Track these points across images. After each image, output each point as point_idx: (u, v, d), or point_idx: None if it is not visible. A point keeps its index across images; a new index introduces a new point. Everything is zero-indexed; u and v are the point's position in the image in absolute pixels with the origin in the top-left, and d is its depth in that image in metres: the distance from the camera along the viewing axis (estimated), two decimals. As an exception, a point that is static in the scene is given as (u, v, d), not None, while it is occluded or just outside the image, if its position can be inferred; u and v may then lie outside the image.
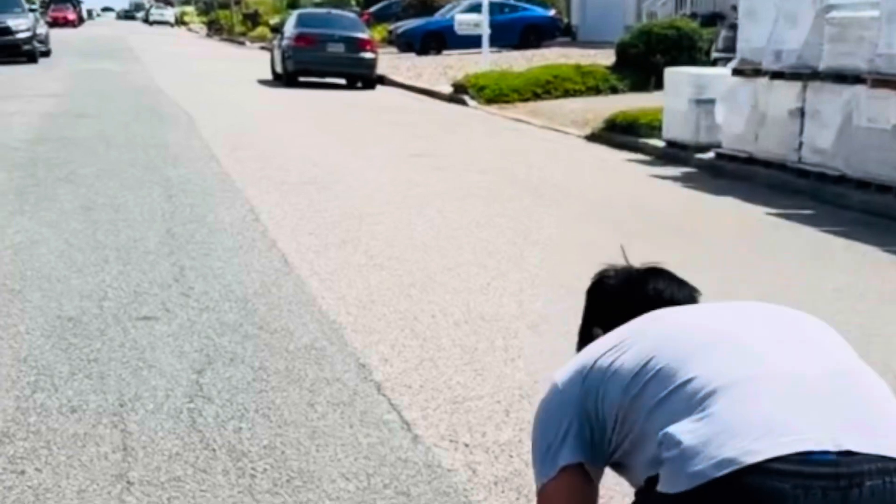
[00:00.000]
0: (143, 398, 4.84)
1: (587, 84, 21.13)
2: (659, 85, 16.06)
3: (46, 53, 33.33)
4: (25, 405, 4.72)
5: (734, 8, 20.83)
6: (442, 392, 5.08)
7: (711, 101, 13.46)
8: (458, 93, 22.29)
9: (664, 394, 2.04)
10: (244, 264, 7.41)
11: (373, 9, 48.45)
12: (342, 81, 26.04)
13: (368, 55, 25.74)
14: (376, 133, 16.23)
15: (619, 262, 2.81)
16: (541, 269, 7.56)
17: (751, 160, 12.56)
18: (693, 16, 28.77)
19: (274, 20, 49.32)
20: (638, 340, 2.21)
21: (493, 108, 20.36)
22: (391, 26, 38.85)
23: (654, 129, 14.82)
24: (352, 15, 31.35)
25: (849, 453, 1.85)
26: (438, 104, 22.14)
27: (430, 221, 9.12)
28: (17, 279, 6.81)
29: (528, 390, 5.09)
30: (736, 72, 12.94)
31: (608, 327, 2.43)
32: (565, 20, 38.99)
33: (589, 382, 2.24)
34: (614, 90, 20.92)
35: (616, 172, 13.05)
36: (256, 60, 33.81)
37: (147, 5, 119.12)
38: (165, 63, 32.36)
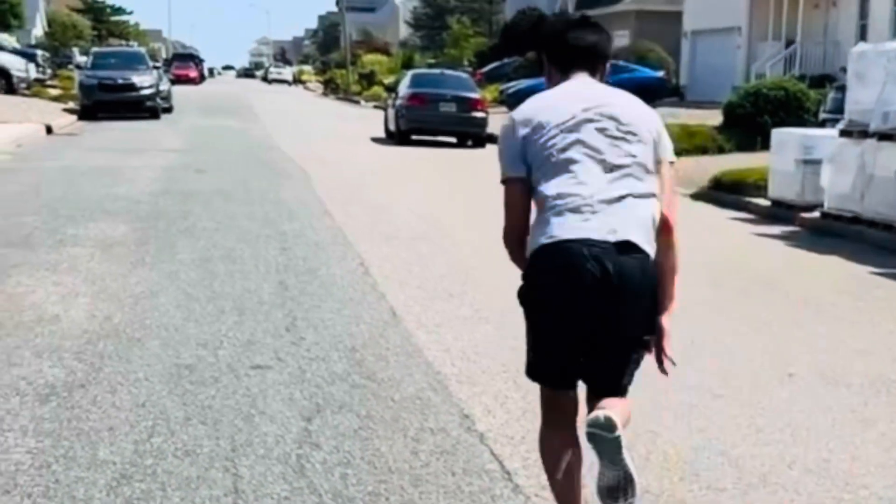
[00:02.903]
0: (255, 444, 5.03)
1: (694, 143, 21.18)
2: (766, 145, 16.04)
3: (169, 110, 34.42)
4: (143, 448, 4.94)
5: (843, 70, 20.70)
6: (543, 443, 5.16)
7: (818, 162, 13.47)
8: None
9: (541, 159, 3.72)
10: (354, 316, 7.61)
11: (485, 69, 49.15)
12: (453, 140, 26.41)
13: (479, 114, 26.10)
14: (485, 190, 16.25)
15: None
16: (644, 325, 7.59)
17: (856, 220, 12.48)
18: (802, 77, 28.62)
19: (388, 80, 50.21)
20: (542, 123, 3.75)
21: (601, 168, 20.36)
22: (503, 86, 39.32)
23: (760, 188, 14.85)
24: (464, 75, 31.82)
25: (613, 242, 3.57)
26: (547, 161, 22.20)
27: (536, 276, 9.23)
28: (137, 328, 7.10)
29: (627, 443, 5.13)
30: (844, 133, 12.89)
31: (554, 61, 3.99)
32: (674, 81, 39.07)
33: (525, 136, 3.76)
34: (721, 150, 20.94)
35: (720, 231, 13.05)
36: (370, 119, 34.44)
37: (266, 64, 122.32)
38: (282, 120, 33.19)
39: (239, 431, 5.18)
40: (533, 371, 3.86)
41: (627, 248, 3.58)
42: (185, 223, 11.63)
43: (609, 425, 3.51)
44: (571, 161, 3.67)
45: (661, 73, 36.67)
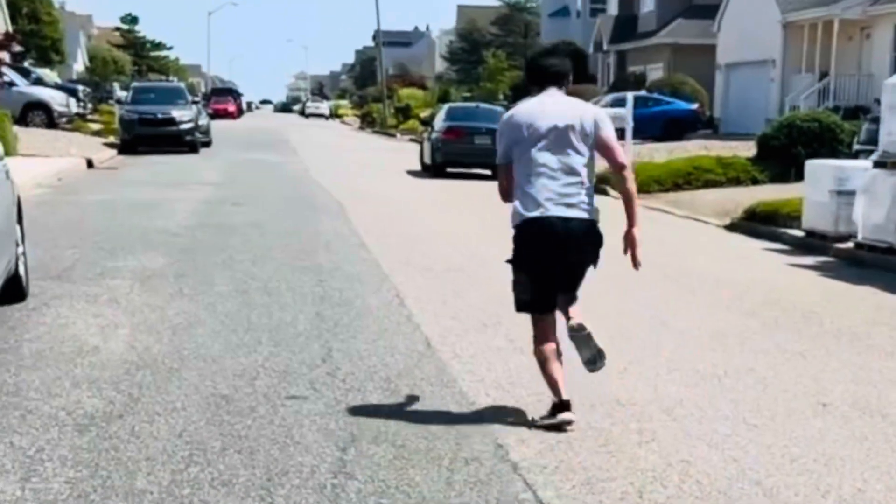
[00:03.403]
0: (290, 473, 5.08)
1: (728, 175, 21.24)
2: (799, 176, 16.07)
3: (207, 144, 34.79)
4: (180, 478, 5.00)
5: (877, 101, 20.65)
6: (576, 473, 5.20)
7: (852, 193, 13.48)
8: (600, 183, 22.32)
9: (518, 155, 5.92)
10: (389, 346, 7.67)
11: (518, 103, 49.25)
12: (488, 172, 26.49)
13: None
14: (520, 221, 16.43)
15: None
16: (676, 355, 7.63)
17: (890, 250, 12.45)
18: (836, 109, 28.60)
19: (424, 113, 50.52)
20: (523, 126, 5.89)
21: (634, 199, 20.44)
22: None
23: (794, 219, 14.87)
24: (499, 109, 31.97)
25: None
26: (582, 194, 22.29)
27: (570, 307, 9.30)
28: (175, 358, 7.19)
29: (660, 473, 5.17)
30: (877, 164, 12.88)
31: (532, 82, 6.14)
32: (708, 113, 39.13)
33: (512, 131, 5.92)
34: (755, 181, 20.99)
35: (754, 261, 13.04)
36: (406, 152, 34.65)
37: (304, 98, 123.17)
38: (319, 154, 33.45)
39: (275, 461, 5.24)
40: (527, 307, 6.19)
41: (569, 218, 5.99)
42: (222, 255, 11.76)
43: (581, 328, 5.98)
44: (536, 153, 5.96)
45: (694, 106, 36.79)
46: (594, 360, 6.02)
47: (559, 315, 6.07)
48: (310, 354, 7.38)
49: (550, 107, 5.93)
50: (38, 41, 54.98)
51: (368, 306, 9.14)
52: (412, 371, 7.01)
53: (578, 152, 5.89)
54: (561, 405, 5.89)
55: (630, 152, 25.16)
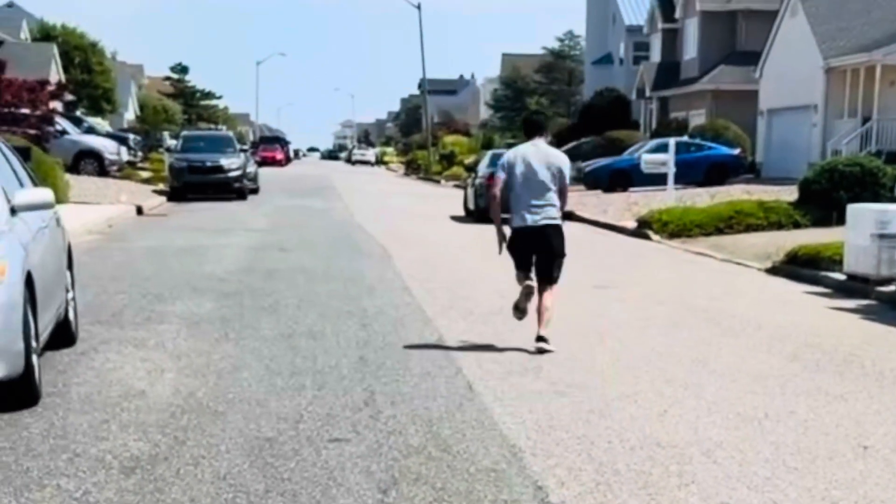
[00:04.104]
0: (332, 514, 5.14)
1: (769, 219, 21.19)
2: (841, 220, 16.00)
3: (255, 190, 35.22)
4: (224, 518, 5.09)
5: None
6: (615, 515, 5.22)
7: (893, 236, 13.47)
8: (642, 227, 22.58)
9: (512, 184, 9.44)
10: (431, 389, 7.74)
11: (563, 148, 49.53)
12: (531, 216, 26.63)
13: None
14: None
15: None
16: (717, 398, 7.64)
17: (933, 293, 12.31)
18: (878, 153, 28.50)
19: (468, 160, 50.74)
20: (517, 160, 9.46)
21: (676, 243, 20.55)
22: (581, 164, 39.73)
23: (836, 262, 14.82)
24: None
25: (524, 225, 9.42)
26: (623, 238, 22.42)
27: (611, 350, 9.36)
28: (220, 402, 7.30)
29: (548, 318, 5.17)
30: (919, 207, 12.81)
31: (526, 133, 9.84)
32: (749, 158, 39.12)
33: (512, 162, 9.46)
34: (796, 225, 20.92)
35: (795, 304, 13.00)
36: (450, 198, 34.82)
37: (350, 146, 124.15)
38: (364, 200, 33.71)
39: (317, 503, 5.31)
40: (516, 265, 9.45)
41: (543, 223, 9.27)
42: (268, 300, 11.90)
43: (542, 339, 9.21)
44: (521, 184, 9.36)
45: (736, 151, 36.87)
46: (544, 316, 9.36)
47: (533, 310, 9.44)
48: (353, 398, 7.46)
49: (537, 151, 9.50)
50: (91, 91, 56.06)
51: (411, 350, 9.22)
52: (454, 414, 7.07)
53: (551, 183, 9.37)
54: (540, 343, 9.24)
55: (672, 197, 25.35)
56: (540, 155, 9.41)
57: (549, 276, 9.36)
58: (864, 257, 13.90)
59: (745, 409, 7.35)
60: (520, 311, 9.56)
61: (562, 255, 9.47)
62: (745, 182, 33.52)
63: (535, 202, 9.28)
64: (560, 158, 9.54)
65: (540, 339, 9.15)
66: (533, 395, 7.64)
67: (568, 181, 9.48)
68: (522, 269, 9.48)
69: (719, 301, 12.87)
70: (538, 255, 9.37)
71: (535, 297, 9.35)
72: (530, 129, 9.72)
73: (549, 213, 9.34)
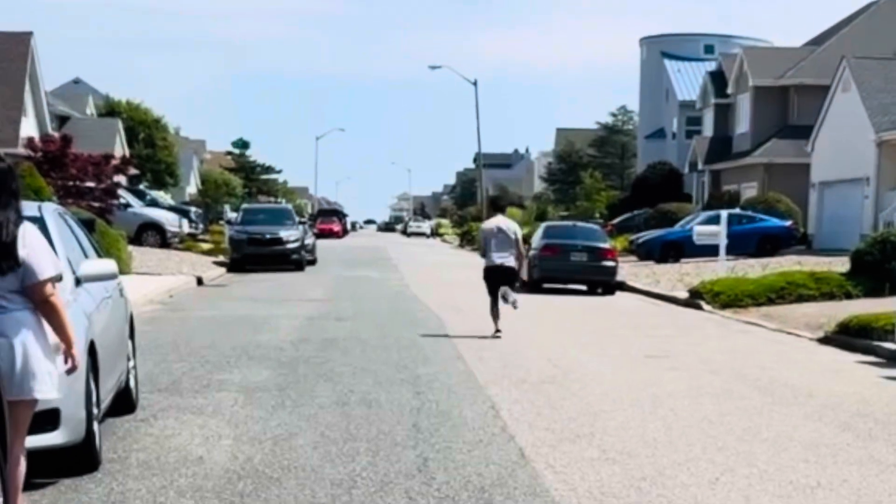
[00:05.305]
0: (384, 576, 5.22)
1: (821, 290, 21.15)
2: (894, 290, 15.97)
3: (313, 262, 35.64)
4: (279, 579, 5.18)
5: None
6: (664, 580, 5.24)
7: (949, 305, 13.29)
8: (694, 298, 22.59)
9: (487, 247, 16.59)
10: (483, 456, 7.81)
11: (616, 220, 50.07)
12: (584, 288, 26.79)
13: (609, 263, 26.70)
14: (614, 335, 16.67)
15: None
16: (769, 466, 7.63)
17: None
18: (930, 225, 28.31)
19: (522, 232, 51.10)
20: (489, 232, 16.53)
21: (728, 313, 20.55)
22: (632, 236, 39.89)
23: (888, 332, 14.77)
24: (595, 226, 32.61)
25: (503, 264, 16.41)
26: (674, 308, 22.42)
27: (663, 419, 9.37)
28: (275, 468, 7.42)
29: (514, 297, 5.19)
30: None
31: (492, 208, 20.17)
32: (801, 230, 39.05)
33: (486, 232, 16.59)
34: (848, 296, 20.85)
35: (847, 374, 12.94)
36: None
37: (406, 218, 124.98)
38: (420, 271, 33.96)
39: (369, 565, 5.39)
40: (488, 290, 16.19)
41: (506, 265, 16.10)
42: (324, 368, 12.06)
43: (504, 294, 16.01)
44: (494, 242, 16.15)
45: (788, 223, 36.91)
46: (510, 300, 15.79)
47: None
48: (406, 464, 7.55)
49: (501, 222, 16.16)
50: (154, 165, 57.19)
51: (464, 417, 9.31)
52: (506, 481, 7.13)
53: (512, 244, 15.88)
54: (497, 331, 15.63)
55: (723, 267, 25.39)
56: (505, 225, 16.10)
57: (508, 285, 16.04)
58: (916, 327, 13.81)
59: (797, 477, 7.34)
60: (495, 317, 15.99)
61: (514, 282, 16.47)
62: (796, 253, 33.44)
63: (502, 252, 15.89)
64: (514, 226, 16.36)
65: (498, 331, 15.66)
66: (585, 463, 7.68)
67: (521, 245, 16.48)
68: (491, 292, 15.94)
69: (771, 370, 12.84)
70: (498, 281, 15.91)
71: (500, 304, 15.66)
72: (495, 207, 17.89)
73: (508, 258, 15.92)
